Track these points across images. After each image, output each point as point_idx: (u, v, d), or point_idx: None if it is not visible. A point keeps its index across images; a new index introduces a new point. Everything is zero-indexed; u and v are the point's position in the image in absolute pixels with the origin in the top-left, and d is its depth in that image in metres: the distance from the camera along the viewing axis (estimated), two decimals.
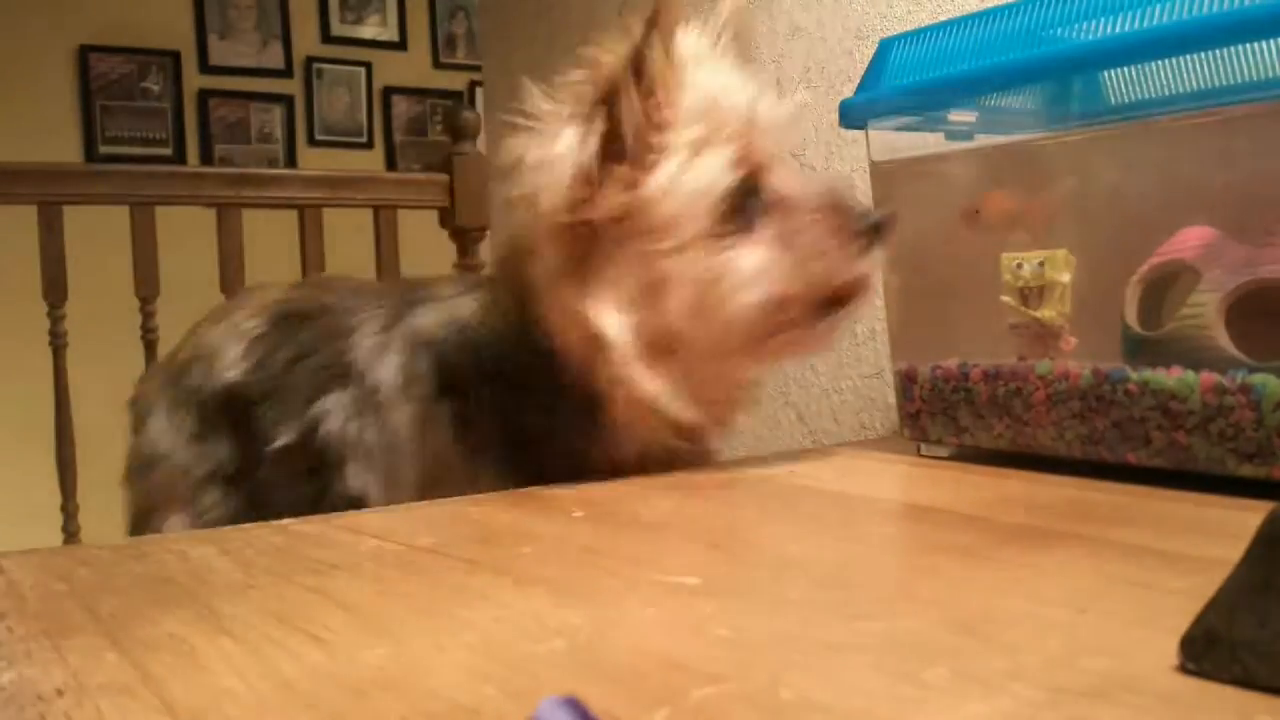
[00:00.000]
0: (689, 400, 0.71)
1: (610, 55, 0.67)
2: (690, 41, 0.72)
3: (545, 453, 0.73)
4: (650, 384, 0.69)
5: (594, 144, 0.67)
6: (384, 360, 0.77)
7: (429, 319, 0.78)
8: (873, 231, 0.69)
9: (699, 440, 0.76)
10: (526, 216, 0.70)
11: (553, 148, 0.68)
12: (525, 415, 0.72)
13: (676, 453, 0.75)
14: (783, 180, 0.71)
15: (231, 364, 0.85)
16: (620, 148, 0.67)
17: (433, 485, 0.73)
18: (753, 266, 0.68)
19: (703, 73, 0.71)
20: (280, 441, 0.79)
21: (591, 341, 0.68)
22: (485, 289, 0.79)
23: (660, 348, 0.69)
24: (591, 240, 0.68)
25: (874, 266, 0.71)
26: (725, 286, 0.68)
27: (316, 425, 0.78)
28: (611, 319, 0.68)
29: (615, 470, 0.72)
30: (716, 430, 0.78)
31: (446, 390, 0.74)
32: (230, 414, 0.84)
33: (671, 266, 0.67)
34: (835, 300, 0.71)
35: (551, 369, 0.70)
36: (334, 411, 0.77)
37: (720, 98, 0.70)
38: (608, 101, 0.67)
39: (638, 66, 0.66)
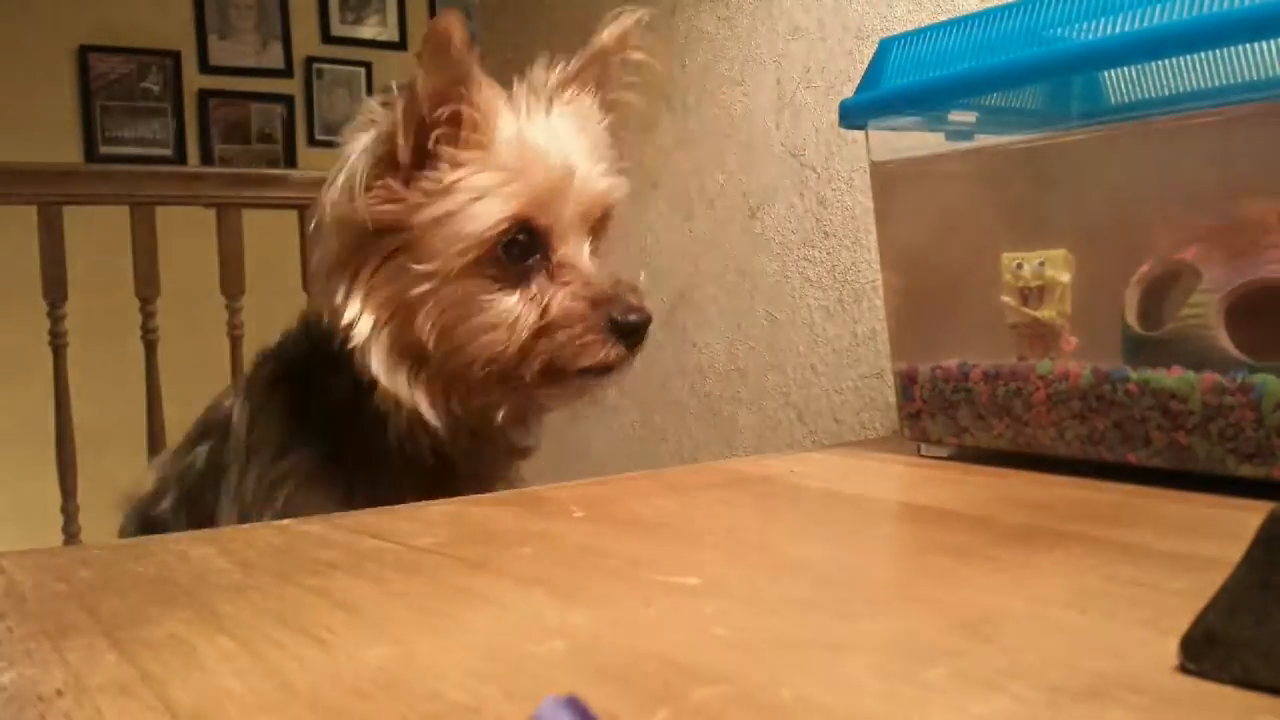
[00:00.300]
0: (441, 409, 0.73)
1: (418, 76, 0.69)
2: (539, 78, 0.77)
3: (349, 431, 0.75)
4: (393, 383, 0.72)
5: (370, 154, 0.70)
6: (236, 394, 0.80)
7: (275, 341, 0.81)
8: (628, 330, 0.72)
9: (485, 445, 0.78)
10: (316, 207, 0.74)
11: (348, 150, 0.71)
12: (337, 395, 0.75)
13: (468, 450, 0.77)
14: (573, 251, 0.74)
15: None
16: (405, 163, 0.71)
17: (260, 460, 0.75)
18: (502, 314, 0.71)
19: (524, 125, 0.73)
20: (163, 507, 0.81)
21: (345, 331, 0.71)
22: None
23: (407, 355, 0.72)
24: (362, 242, 0.72)
25: (626, 359, 0.73)
26: (472, 324, 0.71)
27: (188, 471, 0.81)
28: (358, 314, 0.71)
29: (408, 460, 0.75)
30: (499, 439, 0.79)
31: (280, 380, 0.78)
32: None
33: (427, 290, 0.71)
34: (582, 371, 0.73)
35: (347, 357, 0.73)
36: (202, 454, 0.80)
37: (527, 156, 0.72)
38: (402, 118, 0.70)
39: (423, 94, 0.69)
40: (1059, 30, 0.67)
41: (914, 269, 0.83)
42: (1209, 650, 0.33)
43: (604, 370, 0.73)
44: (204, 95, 3.55)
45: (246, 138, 3.63)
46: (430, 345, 0.71)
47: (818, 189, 1.15)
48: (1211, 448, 0.60)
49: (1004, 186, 0.78)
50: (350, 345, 0.71)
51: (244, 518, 0.74)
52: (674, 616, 0.42)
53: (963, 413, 0.75)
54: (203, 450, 0.81)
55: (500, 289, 0.71)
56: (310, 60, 3.74)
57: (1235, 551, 0.33)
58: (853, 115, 0.81)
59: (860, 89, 0.81)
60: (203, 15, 3.55)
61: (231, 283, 1.99)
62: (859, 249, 1.11)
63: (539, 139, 0.73)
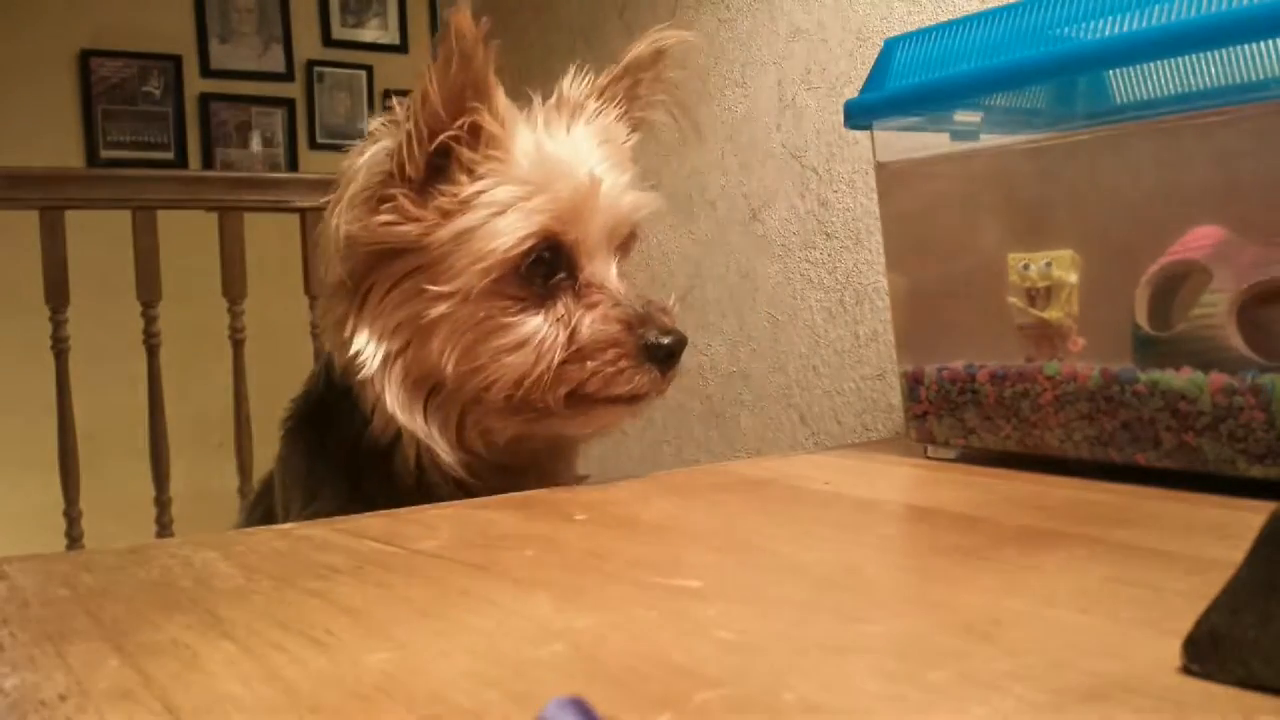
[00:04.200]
0: (454, 441, 0.69)
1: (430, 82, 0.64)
2: (569, 87, 0.72)
3: (365, 468, 0.72)
4: (405, 416, 0.67)
5: (379, 169, 0.65)
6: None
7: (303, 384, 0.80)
8: (664, 354, 0.67)
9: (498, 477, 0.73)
10: (321, 228, 0.68)
11: (353, 166, 0.66)
12: (356, 433, 0.71)
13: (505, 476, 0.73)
14: (600, 270, 0.69)
15: None
16: (417, 177, 0.66)
17: (294, 510, 0.74)
18: (528, 335, 0.66)
19: (543, 138, 0.69)
20: None
21: (353, 364, 0.67)
22: None
23: (421, 386, 0.68)
24: (372, 265, 0.67)
25: (660, 386, 0.68)
26: (494, 344, 0.66)
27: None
28: (366, 343, 0.67)
29: (426, 493, 0.70)
30: (519, 471, 0.74)
31: (301, 425, 0.76)
32: None
33: (445, 313, 0.66)
34: (612, 400, 0.68)
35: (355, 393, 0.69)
36: (258, 515, 0.82)
37: (549, 168, 0.67)
38: (414, 128, 0.64)
39: (437, 100, 0.64)
40: (1065, 30, 0.67)
41: (920, 270, 0.83)
42: (1212, 651, 0.32)
43: (636, 399, 0.69)
44: (205, 99, 3.56)
45: (247, 141, 3.63)
46: (448, 370, 0.66)
47: (819, 190, 1.15)
48: (1221, 449, 0.60)
49: (1010, 187, 0.78)
50: (358, 378, 0.67)
51: None
52: (676, 619, 0.42)
53: (969, 414, 0.75)
54: (258, 512, 0.82)
55: (524, 309, 0.67)
56: (311, 64, 3.74)
57: (1240, 552, 0.33)
58: (858, 115, 0.80)
59: (865, 89, 0.80)
60: (203, 19, 3.55)
61: (233, 286, 1.99)
62: (860, 250, 1.11)
63: (561, 151, 0.69)
